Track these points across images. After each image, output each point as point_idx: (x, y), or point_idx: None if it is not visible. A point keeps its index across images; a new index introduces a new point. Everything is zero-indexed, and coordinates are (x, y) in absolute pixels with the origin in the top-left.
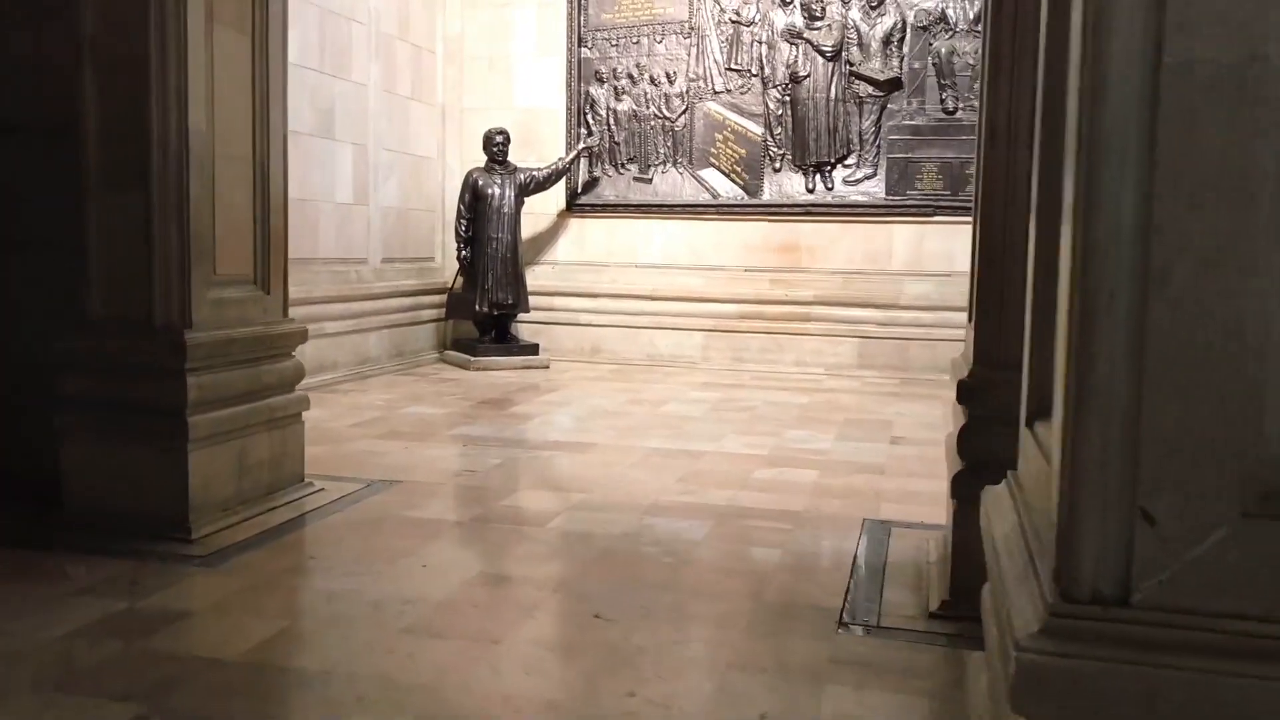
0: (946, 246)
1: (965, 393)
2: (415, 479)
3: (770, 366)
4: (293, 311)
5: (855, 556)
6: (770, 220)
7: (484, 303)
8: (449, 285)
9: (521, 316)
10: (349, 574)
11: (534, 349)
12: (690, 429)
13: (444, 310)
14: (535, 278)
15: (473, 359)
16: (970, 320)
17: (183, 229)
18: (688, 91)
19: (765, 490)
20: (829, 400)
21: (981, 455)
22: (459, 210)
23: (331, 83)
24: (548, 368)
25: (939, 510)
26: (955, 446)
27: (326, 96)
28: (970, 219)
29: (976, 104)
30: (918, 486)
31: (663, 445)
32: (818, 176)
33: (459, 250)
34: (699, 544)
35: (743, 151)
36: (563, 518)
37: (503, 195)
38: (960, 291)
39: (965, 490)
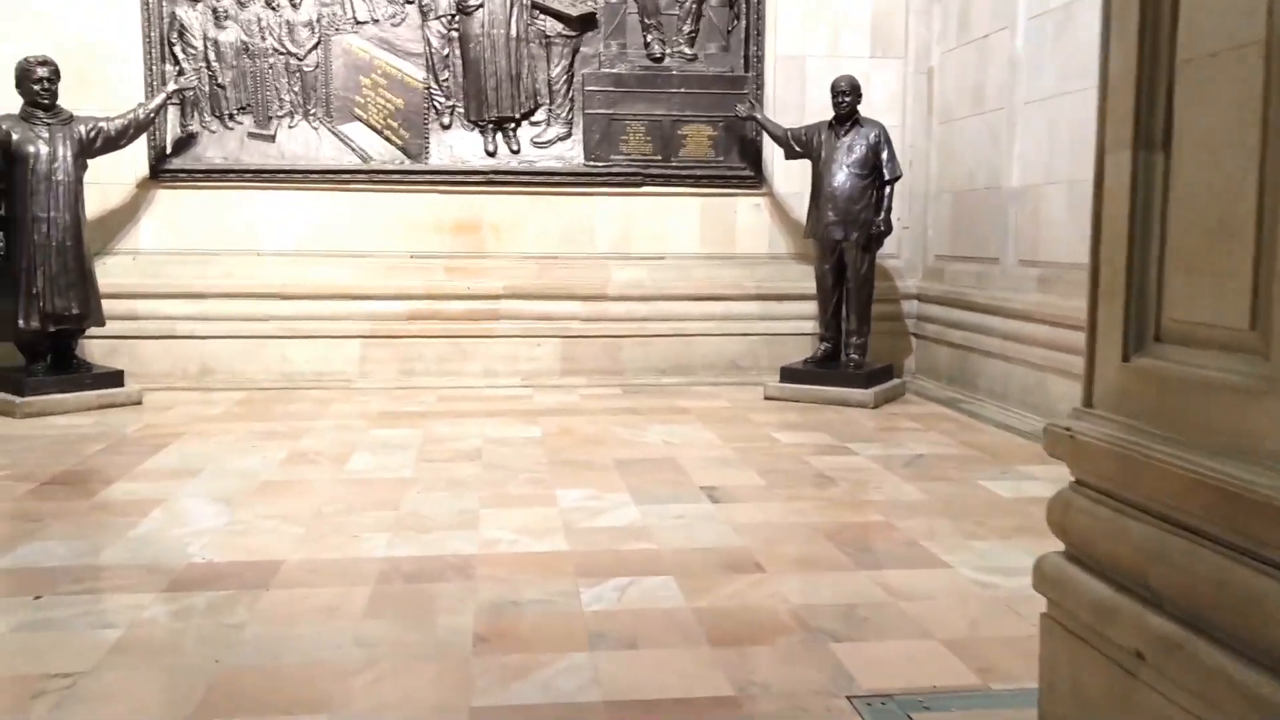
0: (659, 222)
1: None
2: None
3: (453, 380)
4: None
5: None
6: (441, 191)
7: (33, 314)
8: None
9: (93, 331)
10: None
11: (116, 377)
12: (413, 505)
13: None
14: (107, 274)
15: (20, 399)
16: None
17: None
18: (319, 20)
19: (632, 644)
20: (564, 427)
21: None
22: None
23: None
24: (140, 403)
25: (926, 652)
26: None
27: None
28: (684, 189)
29: (687, 50)
30: (839, 594)
31: (394, 551)
32: (499, 136)
33: None
34: None
35: (399, 102)
36: None
37: (54, 155)
38: (680, 276)
39: None
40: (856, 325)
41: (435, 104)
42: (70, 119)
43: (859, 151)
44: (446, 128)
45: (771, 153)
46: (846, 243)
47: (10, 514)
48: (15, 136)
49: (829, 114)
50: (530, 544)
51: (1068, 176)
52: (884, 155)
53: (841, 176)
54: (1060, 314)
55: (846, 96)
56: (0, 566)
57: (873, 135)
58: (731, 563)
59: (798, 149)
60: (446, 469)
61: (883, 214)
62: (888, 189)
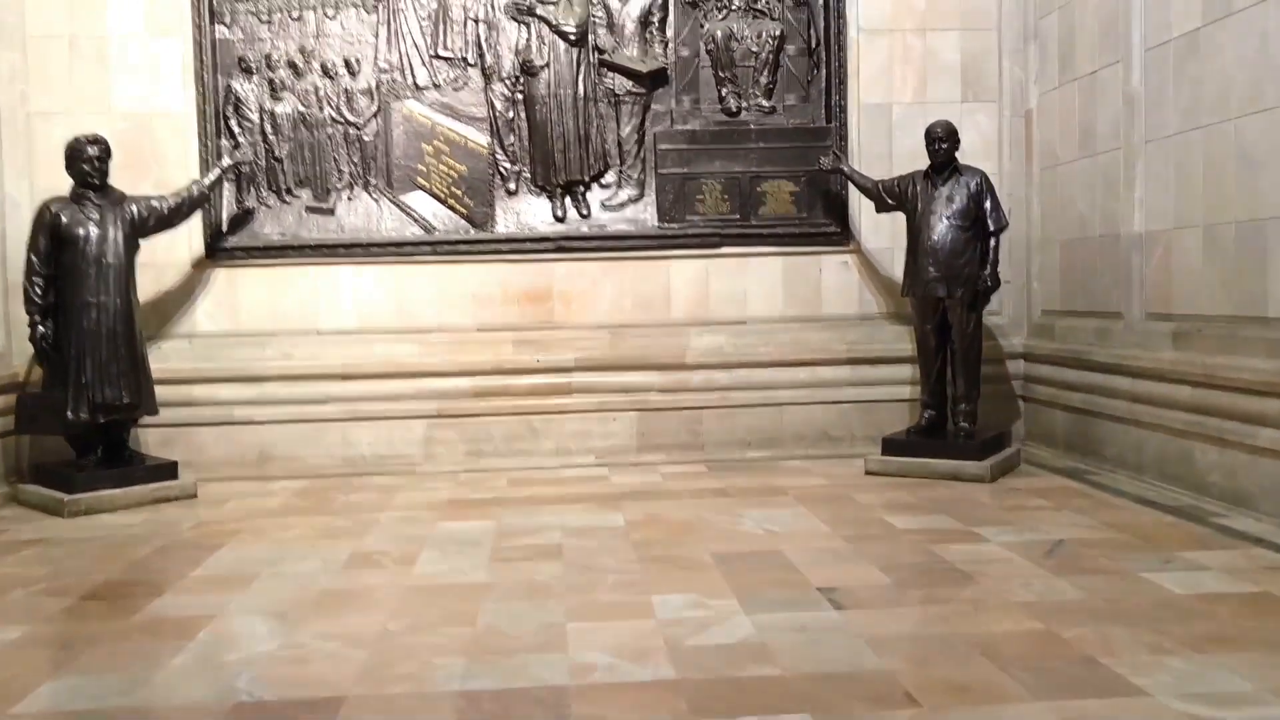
0: (738, 285)
1: None
2: None
3: (524, 460)
4: None
5: None
6: (509, 260)
7: (82, 405)
8: (20, 379)
9: (147, 420)
10: None
11: (170, 469)
12: (490, 618)
13: (14, 420)
14: (162, 359)
15: (68, 497)
16: None
17: None
18: (378, 86)
19: None
20: (650, 514)
21: None
22: (30, 263)
23: None
24: (195, 496)
25: None
26: None
27: None
28: (765, 248)
29: (765, 102)
30: None
31: (471, 683)
32: (568, 200)
33: (34, 325)
34: None
35: (463, 168)
36: None
37: (104, 237)
38: (763, 342)
39: None
40: (965, 390)
41: (501, 169)
42: (122, 199)
43: (959, 201)
44: (513, 193)
45: (858, 207)
46: (950, 300)
47: (41, 640)
48: (64, 220)
49: (917, 163)
50: (631, 670)
51: (1204, 220)
52: (987, 204)
53: (942, 228)
54: (1205, 373)
55: (944, 143)
56: (19, 711)
57: (974, 184)
58: (876, 693)
59: (890, 201)
60: (525, 570)
61: (989, 268)
62: (993, 241)
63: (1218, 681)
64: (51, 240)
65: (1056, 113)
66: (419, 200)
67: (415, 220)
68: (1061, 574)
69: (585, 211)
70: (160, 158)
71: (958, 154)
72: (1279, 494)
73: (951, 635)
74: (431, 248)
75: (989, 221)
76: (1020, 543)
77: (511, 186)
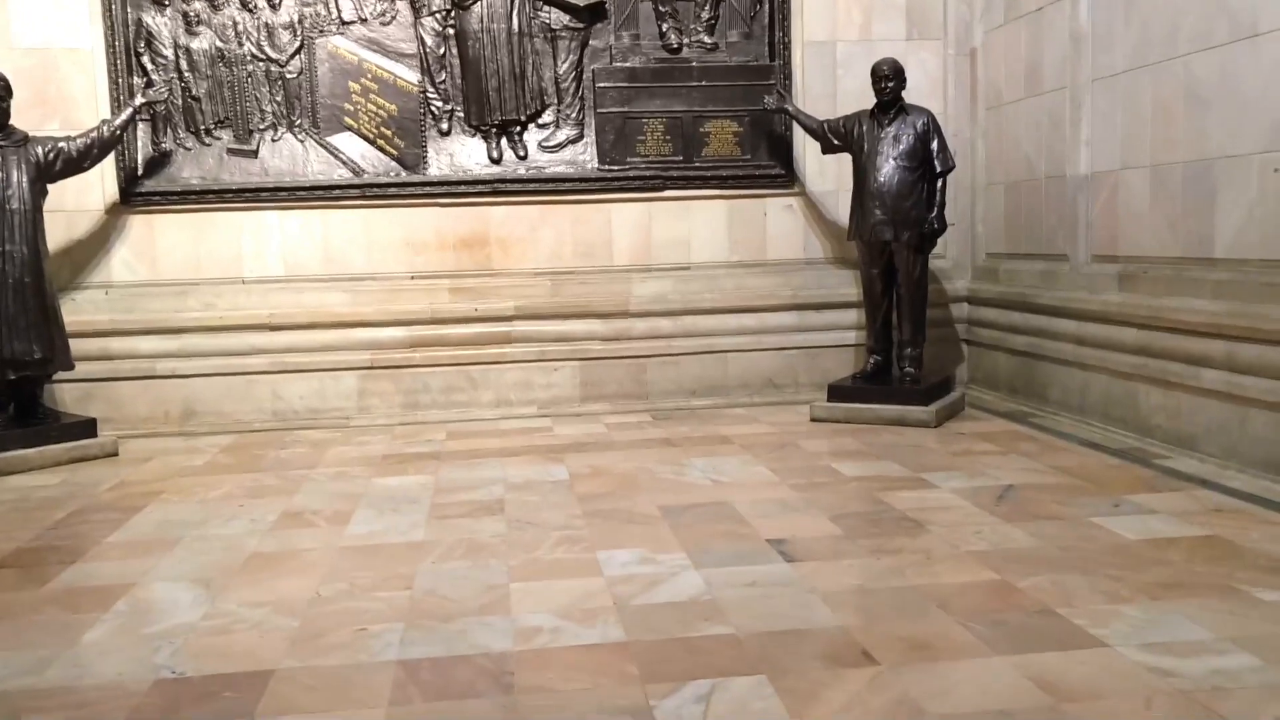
0: (682, 229)
1: None
2: None
3: (463, 412)
4: None
5: None
6: (442, 204)
7: None
8: None
9: (62, 375)
10: None
11: (88, 427)
12: (429, 581)
13: None
14: (77, 311)
15: None
16: None
17: None
18: (301, 21)
19: None
20: (594, 466)
21: None
22: None
23: None
24: (115, 455)
25: None
26: None
27: None
28: (708, 191)
29: (707, 38)
30: (982, 693)
31: (409, 651)
32: (504, 140)
33: None
34: None
35: (393, 108)
36: None
37: (7, 181)
38: (708, 288)
39: None
40: (910, 335)
41: (432, 108)
42: (25, 140)
43: (906, 142)
44: (445, 134)
45: (804, 148)
46: (897, 243)
47: None
48: None
49: (863, 103)
50: (577, 633)
51: (1151, 160)
52: (934, 145)
53: (888, 170)
54: (1151, 315)
55: (890, 81)
56: None
57: (920, 123)
58: (831, 651)
59: (836, 142)
60: (465, 528)
61: (936, 210)
62: (940, 182)
63: (1175, 629)
64: None
65: (1002, 51)
66: (347, 141)
67: (343, 162)
68: (1012, 520)
69: (522, 153)
70: (67, 97)
71: (904, 93)
72: (1222, 435)
73: (905, 588)
74: (360, 191)
75: (936, 162)
76: (969, 488)
77: (444, 126)
